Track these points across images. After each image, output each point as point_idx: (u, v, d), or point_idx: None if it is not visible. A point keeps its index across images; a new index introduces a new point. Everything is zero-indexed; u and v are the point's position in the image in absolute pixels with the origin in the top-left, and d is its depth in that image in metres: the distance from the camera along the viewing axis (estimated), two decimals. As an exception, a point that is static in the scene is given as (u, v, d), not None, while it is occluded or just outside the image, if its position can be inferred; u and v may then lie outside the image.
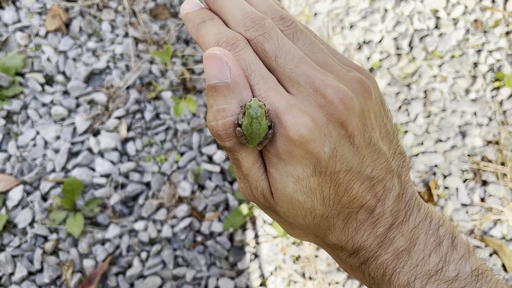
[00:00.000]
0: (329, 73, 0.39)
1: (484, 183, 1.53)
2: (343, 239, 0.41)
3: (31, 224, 1.38)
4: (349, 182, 0.38)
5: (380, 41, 1.69)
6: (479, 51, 1.69)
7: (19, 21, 1.59)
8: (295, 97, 0.38)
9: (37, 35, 1.58)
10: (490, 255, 1.44)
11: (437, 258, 0.39)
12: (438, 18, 1.73)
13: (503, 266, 1.41)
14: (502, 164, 1.55)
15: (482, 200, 1.51)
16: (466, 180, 1.53)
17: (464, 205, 1.50)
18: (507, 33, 1.71)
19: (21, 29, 1.57)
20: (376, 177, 0.39)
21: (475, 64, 1.68)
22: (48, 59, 1.55)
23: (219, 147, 1.49)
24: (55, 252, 1.36)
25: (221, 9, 0.43)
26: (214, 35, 0.41)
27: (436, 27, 1.72)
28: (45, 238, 1.37)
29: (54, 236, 1.36)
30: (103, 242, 1.39)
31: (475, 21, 1.73)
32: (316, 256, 1.40)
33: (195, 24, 0.43)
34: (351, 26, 1.71)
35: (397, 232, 0.40)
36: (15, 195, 1.38)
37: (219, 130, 0.38)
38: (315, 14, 1.71)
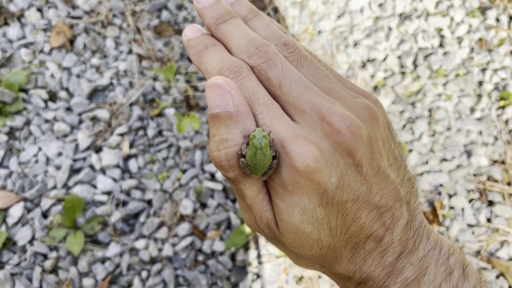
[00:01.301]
0: (335, 100, 0.38)
1: (490, 203, 1.51)
2: (350, 269, 0.40)
3: (31, 241, 1.36)
4: (357, 212, 0.37)
5: (384, 59, 1.69)
6: (484, 70, 1.68)
7: (24, 37, 1.59)
8: (300, 125, 0.37)
9: (41, 51, 1.58)
10: (497, 277, 1.41)
11: None
12: (442, 36, 1.73)
13: (511, 289, 1.38)
14: (509, 184, 1.53)
15: (489, 220, 1.49)
16: (472, 200, 1.51)
17: (470, 225, 1.48)
18: (512, 52, 1.71)
19: (26, 46, 1.58)
20: (384, 206, 0.38)
21: (480, 83, 1.67)
22: (52, 76, 1.55)
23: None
24: (54, 270, 1.34)
25: (224, 35, 0.43)
26: (217, 62, 0.40)
27: (441, 45, 1.72)
28: (45, 256, 1.35)
29: (53, 254, 1.35)
30: (103, 260, 1.37)
31: (480, 39, 1.73)
32: (319, 277, 1.38)
33: (197, 50, 0.42)
34: (355, 44, 1.70)
35: (406, 262, 0.39)
36: (16, 212, 1.37)
37: (222, 161, 0.37)
38: (319, 32, 1.72)
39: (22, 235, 1.35)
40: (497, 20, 1.75)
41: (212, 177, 1.48)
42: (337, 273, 0.41)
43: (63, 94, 1.52)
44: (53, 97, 1.53)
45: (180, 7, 1.70)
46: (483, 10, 1.76)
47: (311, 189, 0.35)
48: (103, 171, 1.46)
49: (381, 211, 0.38)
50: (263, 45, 0.40)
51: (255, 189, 0.39)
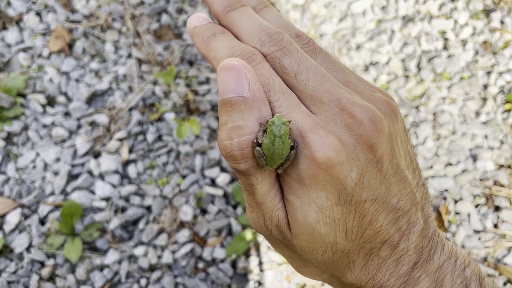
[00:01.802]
0: (354, 92, 0.36)
1: (497, 208, 1.48)
2: (363, 278, 0.37)
3: (28, 249, 1.34)
4: (374, 213, 0.34)
5: (387, 63, 1.66)
6: (488, 73, 1.66)
7: (22, 41, 1.58)
8: (318, 116, 0.34)
9: (40, 56, 1.56)
10: (504, 284, 1.37)
11: None
12: (446, 39, 1.70)
13: (519, 296, 1.35)
14: (515, 189, 1.50)
15: (495, 226, 1.46)
16: (478, 205, 1.48)
17: (476, 231, 1.45)
18: (517, 54, 1.68)
19: (24, 50, 1.56)
20: (401, 209, 0.35)
21: (485, 86, 1.64)
22: (51, 80, 1.53)
23: (224, 170, 1.46)
24: (52, 278, 1.32)
25: (234, 23, 0.40)
26: (227, 49, 0.37)
27: (445, 48, 1.69)
28: (42, 264, 1.33)
29: (51, 262, 1.32)
30: (101, 268, 1.34)
31: (484, 42, 1.70)
32: (323, 285, 1.35)
33: (205, 37, 0.40)
34: (357, 47, 1.68)
35: (422, 272, 0.36)
36: (13, 218, 1.35)
37: (234, 150, 0.33)
38: (321, 35, 1.69)
39: (19, 242, 1.33)
40: (502, 22, 1.73)
41: (213, 183, 1.45)
42: (347, 283, 0.38)
43: (61, 98, 1.50)
44: (51, 102, 1.51)
45: (180, 11, 1.69)
46: (487, 12, 1.74)
47: (329, 184, 0.33)
48: (101, 176, 1.43)
49: (398, 215, 0.35)
50: (276, 33, 0.38)
51: (267, 184, 0.36)
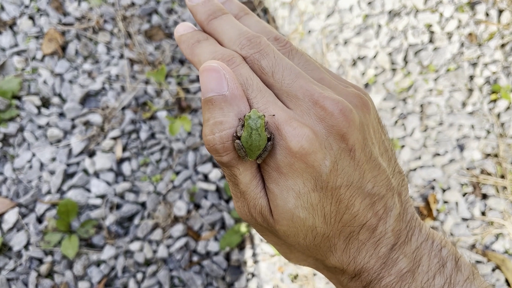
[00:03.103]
0: (327, 87, 0.39)
1: (484, 196, 1.51)
2: (344, 260, 0.39)
3: (26, 246, 1.37)
4: (350, 198, 0.37)
5: (374, 57, 1.69)
6: (474, 64, 1.69)
7: (16, 45, 1.61)
8: (294, 111, 0.38)
9: (34, 58, 1.60)
10: (493, 270, 1.40)
11: (442, 280, 0.38)
12: (432, 32, 1.73)
13: (506, 281, 1.38)
14: (502, 177, 1.53)
15: (483, 214, 1.49)
16: (465, 194, 1.51)
17: (464, 219, 1.48)
18: (502, 45, 1.71)
19: (18, 53, 1.59)
20: (377, 194, 0.38)
21: (471, 77, 1.67)
22: (45, 82, 1.56)
23: (216, 165, 1.49)
24: (50, 275, 1.35)
25: (216, 29, 0.44)
26: (210, 53, 0.41)
27: (431, 41, 1.72)
28: (40, 261, 1.36)
29: (49, 259, 1.35)
30: (98, 263, 1.37)
31: (470, 34, 1.73)
32: (315, 275, 1.38)
33: (190, 44, 0.43)
34: (345, 43, 1.71)
35: (400, 253, 0.39)
36: (10, 217, 1.38)
37: (216, 144, 0.36)
38: (309, 31, 1.73)
39: (17, 240, 1.36)
40: (487, 14, 1.76)
41: (206, 178, 1.48)
42: (331, 266, 0.41)
43: (56, 100, 1.53)
44: (46, 103, 1.55)
45: (170, 11, 1.72)
46: (472, 5, 1.77)
47: (305, 172, 0.36)
48: (96, 175, 1.46)
49: (374, 200, 0.38)
50: (255, 37, 0.41)
51: (249, 174, 0.39)
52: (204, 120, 0.38)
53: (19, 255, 1.36)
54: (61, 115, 1.53)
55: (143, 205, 1.44)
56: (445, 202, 1.50)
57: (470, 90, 1.65)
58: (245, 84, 0.38)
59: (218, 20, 0.44)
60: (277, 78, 0.39)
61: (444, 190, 1.51)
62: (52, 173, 1.45)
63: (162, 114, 1.53)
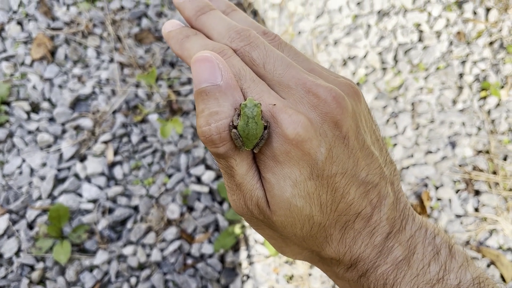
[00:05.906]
0: (318, 77, 0.39)
1: (477, 192, 1.52)
2: (340, 250, 0.39)
3: (17, 253, 1.35)
4: (345, 187, 0.37)
5: (365, 56, 1.70)
6: (463, 62, 1.70)
7: (4, 51, 1.59)
8: (287, 100, 0.37)
9: (22, 64, 1.58)
10: (488, 265, 1.41)
11: (437, 267, 0.38)
12: (421, 31, 1.75)
13: (501, 276, 1.38)
14: (494, 173, 1.53)
15: (476, 210, 1.49)
16: (458, 190, 1.52)
17: (458, 216, 1.48)
18: (491, 43, 1.73)
19: (7, 59, 1.58)
20: (371, 183, 0.38)
21: (461, 75, 1.68)
22: (34, 87, 1.55)
23: (209, 167, 1.48)
24: (42, 281, 1.33)
25: (205, 25, 0.44)
26: (200, 46, 0.41)
27: (420, 40, 1.74)
28: (32, 267, 1.34)
29: (40, 265, 1.33)
30: (91, 269, 1.36)
31: (458, 33, 1.75)
32: (310, 275, 1.37)
33: (179, 39, 0.43)
34: (335, 43, 1.72)
35: (395, 241, 0.39)
36: (1, 224, 1.36)
37: (213, 135, 0.36)
38: (299, 32, 1.73)
39: (8, 247, 1.34)
40: (474, 13, 1.77)
41: (198, 180, 1.47)
42: (327, 257, 0.41)
43: (45, 105, 1.52)
44: (35, 108, 1.53)
45: (160, 14, 1.71)
46: (460, 4, 1.79)
47: (301, 160, 0.35)
48: (88, 179, 1.45)
49: (368, 188, 0.38)
50: (244, 30, 0.41)
51: (245, 165, 0.38)
52: (198, 111, 0.37)
53: (10, 262, 1.34)
54: (51, 120, 1.52)
55: (135, 208, 1.43)
56: (439, 199, 1.50)
57: (460, 88, 1.66)
58: (238, 74, 0.38)
59: (207, 15, 0.44)
60: (268, 69, 0.39)
61: (437, 188, 1.51)
62: (42, 178, 1.43)
63: (153, 117, 1.53)
